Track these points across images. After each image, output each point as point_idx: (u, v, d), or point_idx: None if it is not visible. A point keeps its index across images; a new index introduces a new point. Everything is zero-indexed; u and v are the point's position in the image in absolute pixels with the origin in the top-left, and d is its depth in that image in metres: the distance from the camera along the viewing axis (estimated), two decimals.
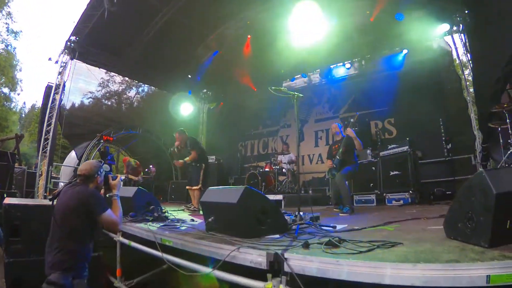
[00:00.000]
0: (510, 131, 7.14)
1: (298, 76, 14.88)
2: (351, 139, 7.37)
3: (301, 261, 2.47)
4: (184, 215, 6.60)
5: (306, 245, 2.80)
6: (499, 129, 7.78)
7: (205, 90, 18.32)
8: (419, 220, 4.84)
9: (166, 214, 5.62)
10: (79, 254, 3.36)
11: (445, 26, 11.37)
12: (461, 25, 11.05)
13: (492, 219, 2.27)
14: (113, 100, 19.14)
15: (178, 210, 7.88)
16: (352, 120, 7.90)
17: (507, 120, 7.19)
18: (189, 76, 15.77)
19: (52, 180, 12.19)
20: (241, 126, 17.06)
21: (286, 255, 2.54)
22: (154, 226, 4.61)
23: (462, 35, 11.15)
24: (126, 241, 4.89)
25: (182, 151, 9.10)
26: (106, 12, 10.33)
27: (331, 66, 14.38)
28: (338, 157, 7.39)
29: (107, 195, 3.96)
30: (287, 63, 13.29)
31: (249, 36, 13.10)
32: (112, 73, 16.57)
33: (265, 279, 2.52)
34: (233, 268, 2.86)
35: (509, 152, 7.18)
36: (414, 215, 5.45)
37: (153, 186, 14.77)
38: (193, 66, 14.95)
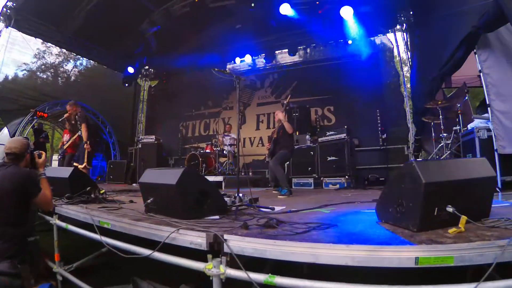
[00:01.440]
0: (442, 126, 7.59)
1: (243, 59, 14.76)
2: (285, 132, 7.62)
3: (240, 242, 2.51)
4: (123, 197, 6.45)
5: (245, 226, 2.84)
6: (432, 123, 8.28)
7: (147, 67, 17.66)
8: (354, 203, 5.05)
9: (104, 195, 5.46)
10: (20, 239, 3.27)
11: (390, 24, 11.94)
12: (404, 24, 11.63)
13: (420, 206, 2.43)
14: (48, 73, 18.06)
15: (116, 191, 7.68)
16: (285, 101, 8.17)
17: (440, 116, 7.64)
18: (132, 51, 15.21)
19: None
20: (183, 106, 16.81)
21: (225, 236, 2.57)
22: (91, 208, 4.41)
23: (404, 33, 11.76)
24: (63, 224, 4.65)
25: (72, 125, 8.94)
26: None
27: (276, 52, 14.53)
28: (273, 138, 7.73)
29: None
30: (233, 45, 13.25)
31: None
32: (49, 44, 15.63)
33: (205, 260, 2.55)
34: (173, 250, 2.86)
35: (440, 145, 7.64)
36: (349, 199, 5.67)
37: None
38: (136, 42, 14.32)
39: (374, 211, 3.19)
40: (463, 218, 2.42)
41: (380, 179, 10.14)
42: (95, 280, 4.74)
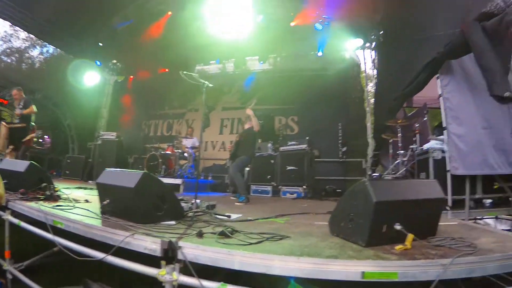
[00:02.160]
0: (399, 144, 7.86)
1: (213, 62, 14.72)
2: (250, 130, 7.74)
3: (195, 250, 2.54)
4: (78, 195, 6.31)
5: (200, 234, 2.87)
6: (391, 140, 8.56)
7: (115, 61, 16.96)
8: (309, 214, 5.15)
9: (60, 193, 5.32)
10: None
11: (359, 41, 12.31)
12: (373, 43, 11.98)
13: (370, 222, 2.56)
14: (13, 58, 17.38)
15: (72, 188, 7.51)
16: (250, 106, 8.26)
17: (399, 134, 7.92)
18: (100, 44, 14.80)
19: None
20: (148, 104, 16.42)
21: (180, 243, 2.58)
22: (46, 206, 4.28)
23: (372, 52, 12.14)
24: (15, 220, 4.48)
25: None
26: None
27: (246, 58, 14.54)
28: (236, 140, 7.87)
29: None
30: (204, 47, 13.24)
31: (169, 13, 12.61)
32: (17, 28, 15.03)
33: (159, 266, 2.56)
34: (128, 254, 2.83)
35: (396, 161, 7.89)
36: (305, 210, 5.77)
37: (47, 159, 13.70)
38: (106, 34, 13.94)
39: (327, 223, 3.29)
40: (410, 236, 2.56)
41: (337, 190, 10.37)
42: (46, 280, 4.62)
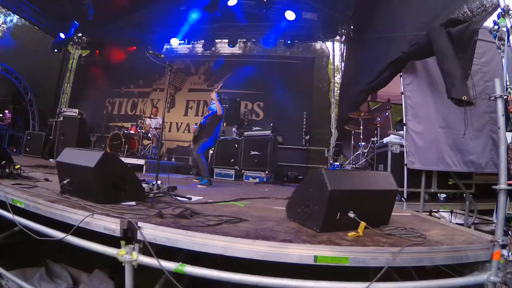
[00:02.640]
0: (361, 136, 8.06)
1: (182, 42, 14.44)
2: (214, 115, 7.74)
3: (154, 231, 2.57)
4: (38, 173, 6.18)
5: (160, 215, 2.90)
6: (353, 132, 8.76)
7: (80, 35, 16.32)
8: (269, 199, 5.26)
9: (20, 171, 5.21)
10: None
11: (330, 33, 12.56)
12: (344, 36, 12.21)
13: (324, 209, 2.67)
14: None
15: (32, 166, 7.33)
16: (215, 89, 8.10)
17: (361, 126, 8.11)
18: (67, 16, 14.20)
19: None
20: (112, 81, 15.94)
21: (139, 223, 2.60)
22: (5, 184, 4.12)
23: (342, 45, 12.40)
24: None
25: None
26: None
27: (216, 41, 14.51)
28: (200, 122, 7.81)
29: None
30: (173, 26, 13.09)
31: None
32: None
33: (119, 246, 2.56)
34: (89, 233, 2.82)
35: (357, 152, 8.12)
36: (265, 194, 5.94)
37: (7, 136, 13.15)
38: (73, 7, 13.11)
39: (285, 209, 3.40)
40: (362, 224, 2.69)
41: (299, 177, 10.64)
42: (7, 261, 4.54)
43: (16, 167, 5.06)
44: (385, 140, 6.87)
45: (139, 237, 2.56)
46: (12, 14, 15.32)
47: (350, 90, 8.72)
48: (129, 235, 2.61)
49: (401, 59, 5.51)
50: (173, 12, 12.54)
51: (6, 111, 13.55)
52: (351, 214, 2.73)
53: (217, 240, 2.41)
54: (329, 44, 13.19)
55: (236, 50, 14.42)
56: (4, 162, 4.94)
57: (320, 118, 12.53)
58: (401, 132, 5.91)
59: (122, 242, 2.57)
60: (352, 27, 11.35)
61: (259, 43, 14.04)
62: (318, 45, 13.42)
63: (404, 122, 5.52)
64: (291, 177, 10.67)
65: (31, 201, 3.43)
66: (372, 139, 7.74)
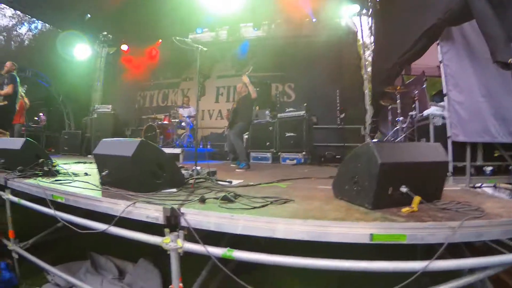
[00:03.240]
0: (398, 110, 7.80)
1: (206, 30, 14.49)
2: (247, 95, 7.61)
3: (198, 216, 2.49)
4: (78, 169, 6.24)
5: (202, 200, 2.81)
6: (389, 107, 8.48)
7: (105, 33, 16.54)
8: (310, 179, 5.11)
9: (57, 167, 5.21)
10: None
11: (356, 7, 12.07)
12: (370, 9, 11.71)
13: (375, 184, 2.50)
14: (1, 37, 17.16)
15: (71, 163, 7.42)
16: (246, 72, 7.99)
17: (397, 101, 7.84)
18: (89, 15, 14.43)
19: None
20: (141, 75, 16.12)
21: (182, 209, 2.53)
22: (44, 182, 4.18)
23: (369, 18, 11.90)
24: (15, 199, 4.43)
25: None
26: None
27: (240, 25, 14.34)
28: (232, 107, 7.78)
29: None
30: (196, 15, 12.97)
31: None
32: (2, 5, 14.75)
33: (163, 234, 2.52)
34: (131, 223, 2.79)
35: (395, 128, 7.86)
36: (305, 175, 5.77)
37: (44, 137, 13.75)
38: (93, 4, 13.42)
39: (330, 187, 3.25)
40: (416, 198, 2.51)
41: (336, 156, 10.42)
42: (52, 256, 4.61)
43: (54, 164, 5.12)
44: (425, 112, 6.64)
45: (183, 223, 2.49)
46: (36, 21, 15.70)
47: (382, 64, 8.42)
48: (172, 222, 2.54)
49: (436, 26, 5.26)
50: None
51: (41, 114, 14.21)
52: (404, 189, 2.54)
53: (264, 222, 2.29)
54: (356, 19, 12.78)
55: (261, 33, 14.18)
56: (42, 160, 5.01)
57: (354, 95, 12.21)
58: (442, 103, 5.67)
59: (166, 230, 2.52)
60: None
61: (284, 24, 13.69)
62: (344, 21, 12.98)
63: (444, 92, 5.29)
64: (328, 157, 10.47)
65: (71, 195, 3.42)
66: (410, 113, 7.48)
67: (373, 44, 11.29)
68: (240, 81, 8.05)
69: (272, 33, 14.04)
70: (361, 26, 12.55)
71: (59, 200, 3.52)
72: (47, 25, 15.63)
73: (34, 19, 15.45)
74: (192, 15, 13.13)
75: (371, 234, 2.11)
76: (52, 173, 4.86)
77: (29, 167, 4.88)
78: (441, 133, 5.49)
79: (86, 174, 5.14)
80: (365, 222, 2.19)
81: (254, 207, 2.60)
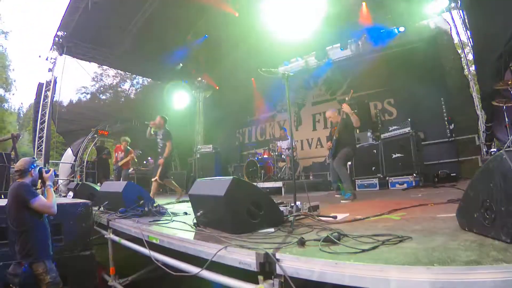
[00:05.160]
0: None
1: (293, 60, 14.43)
2: (347, 120, 7.14)
3: (295, 262, 2.19)
4: (179, 208, 6.34)
5: (301, 243, 2.48)
6: (504, 107, 7.46)
7: (199, 79, 17.96)
8: (426, 206, 4.47)
9: (157, 208, 5.35)
10: (30, 241, 3.81)
11: (443, 2, 10.99)
12: (459, 1, 10.66)
13: None
14: (107, 94, 18.96)
15: (173, 203, 7.70)
16: (346, 98, 7.47)
17: None
18: (181, 64, 15.35)
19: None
20: (238, 113, 16.85)
21: (278, 255, 2.27)
22: (142, 222, 4.42)
23: (460, 11, 10.78)
24: (116, 238, 4.79)
25: (152, 136, 9.16)
26: (89, 3, 10.23)
27: (327, 48, 14.02)
28: (334, 138, 7.21)
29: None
30: (282, 47, 12.91)
31: (236, 14, 12.50)
32: (105, 67, 16.30)
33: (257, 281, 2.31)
34: (225, 268, 2.64)
35: None
36: (420, 200, 5.08)
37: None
38: (184, 54, 14.52)
39: (454, 215, 2.71)
40: None
41: (452, 174, 9.37)
42: None
43: (155, 204, 5.32)
44: None
45: (278, 271, 2.22)
46: (137, 77, 17.22)
47: (486, 59, 7.50)
48: (267, 269, 2.30)
49: None
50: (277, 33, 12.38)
51: (149, 158, 15.38)
52: None
53: (376, 271, 1.84)
54: (446, 15, 11.54)
55: (349, 52, 13.71)
56: (142, 201, 5.21)
57: (461, 101, 11.03)
58: None
59: (260, 277, 2.31)
60: None
61: (370, 38, 13.09)
62: (433, 22, 11.92)
63: None
64: (442, 176, 9.45)
65: (165, 236, 3.54)
66: None
67: (471, 38, 10.15)
68: (329, 107, 7.68)
69: (360, 50, 13.51)
70: (453, 21, 11.28)
71: (154, 241, 3.66)
72: (147, 79, 16.98)
73: (135, 75, 16.89)
74: (277, 48, 13.12)
75: None
76: (152, 213, 5.12)
77: (130, 208, 5.22)
78: None
79: (185, 213, 5.26)
80: (506, 264, 1.63)
81: (363, 250, 2.19)
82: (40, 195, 3.99)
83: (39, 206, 3.90)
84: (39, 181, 4.40)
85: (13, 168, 11.73)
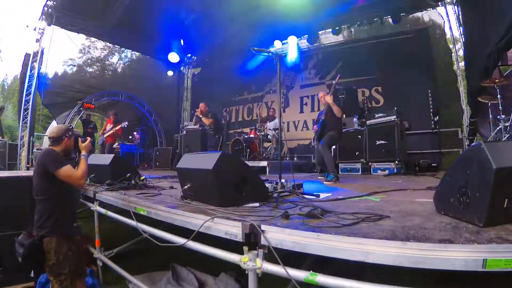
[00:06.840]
0: (500, 107, 7.00)
1: (285, 41, 14.31)
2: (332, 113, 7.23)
3: (279, 234, 2.29)
4: (165, 182, 6.42)
5: (286, 216, 2.60)
6: (489, 104, 7.64)
7: (189, 55, 17.84)
8: (406, 191, 4.61)
9: (144, 181, 5.43)
10: (47, 212, 3.59)
11: None
12: None
13: (489, 196, 2.03)
14: (95, 67, 18.72)
15: (160, 177, 7.76)
16: (334, 81, 7.55)
17: (498, 96, 7.03)
18: (172, 40, 15.20)
19: (36, 151, 12.02)
20: (226, 91, 16.88)
21: (263, 227, 2.36)
22: (130, 194, 4.46)
23: (455, 6, 10.86)
24: (102, 210, 4.81)
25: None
26: None
27: (319, 32, 14.08)
28: (321, 119, 7.34)
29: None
30: (275, 27, 12.96)
31: None
32: (93, 39, 16.02)
33: (242, 251, 2.39)
34: (210, 239, 2.71)
35: (497, 128, 7.05)
36: (400, 186, 5.26)
37: (138, 154, 15.08)
38: (176, 29, 14.30)
39: (431, 200, 2.83)
40: None
41: (432, 164, 9.62)
42: (134, 266, 4.79)
43: (141, 178, 5.35)
44: None
45: (263, 242, 2.31)
46: (125, 50, 17.01)
47: (476, 56, 7.64)
48: (252, 240, 2.39)
49: None
50: (271, 13, 12.24)
51: (135, 133, 15.75)
52: None
53: (356, 244, 1.97)
54: (440, 9, 11.65)
55: (341, 38, 13.89)
56: (129, 174, 5.23)
57: (447, 95, 11.25)
58: None
59: (245, 248, 2.38)
60: None
61: (363, 26, 13.21)
62: (427, 15, 12.12)
63: None
64: (423, 166, 9.67)
65: (153, 208, 3.56)
66: None
67: (463, 35, 10.29)
68: (322, 89, 7.75)
69: (352, 37, 13.77)
70: (447, 15, 11.39)
71: (141, 212, 3.69)
72: (136, 53, 16.80)
73: (124, 49, 16.67)
74: (269, 28, 13.17)
75: (484, 259, 1.68)
76: (139, 186, 5.15)
77: (117, 181, 5.19)
78: None
79: (172, 187, 5.38)
80: (477, 245, 1.76)
81: (344, 225, 2.31)
82: (69, 165, 3.72)
83: (65, 177, 3.62)
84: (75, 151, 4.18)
85: None
